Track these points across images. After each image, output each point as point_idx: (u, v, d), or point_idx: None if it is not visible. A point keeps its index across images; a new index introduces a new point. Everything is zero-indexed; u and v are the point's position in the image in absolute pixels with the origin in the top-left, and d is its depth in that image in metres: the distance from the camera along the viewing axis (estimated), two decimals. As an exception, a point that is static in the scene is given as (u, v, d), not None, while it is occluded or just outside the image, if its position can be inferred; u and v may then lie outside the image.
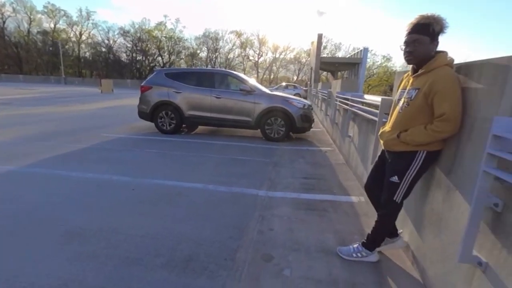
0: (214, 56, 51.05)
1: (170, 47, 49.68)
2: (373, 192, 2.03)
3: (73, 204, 2.67)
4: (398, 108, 1.76)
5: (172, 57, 49.82)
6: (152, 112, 6.32)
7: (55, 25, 48.07)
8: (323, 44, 33.92)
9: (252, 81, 6.77)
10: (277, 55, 51.68)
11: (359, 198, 3.08)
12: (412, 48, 1.59)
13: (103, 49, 49.20)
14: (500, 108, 1.22)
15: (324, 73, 33.45)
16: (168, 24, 56.06)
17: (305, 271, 1.85)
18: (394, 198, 1.76)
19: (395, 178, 1.74)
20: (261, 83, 9.80)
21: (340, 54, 45.32)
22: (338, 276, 1.82)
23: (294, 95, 11.66)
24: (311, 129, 6.55)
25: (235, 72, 6.76)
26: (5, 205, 2.57)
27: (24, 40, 47.12)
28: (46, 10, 47.07)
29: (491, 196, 1.21)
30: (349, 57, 28.40)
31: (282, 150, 5.31)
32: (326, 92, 7.69)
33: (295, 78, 50.96)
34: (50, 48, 48.00)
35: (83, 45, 49.67)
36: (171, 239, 2.14)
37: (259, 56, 51.80)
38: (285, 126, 5.94)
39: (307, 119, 6.05)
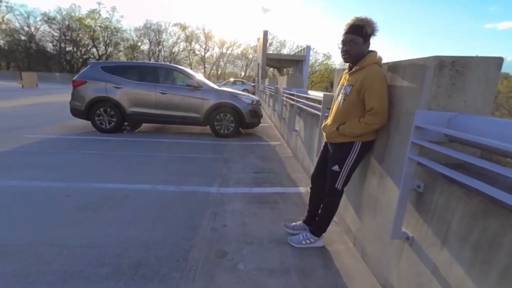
0: (158, 49, 48.29)
1: (106, 38, 45.33)
2: (317, 183, 2.17)
3: (-9, 217, 2.29)
4: (337, 103, 1.90)
5: (109, 49, 45.58)
6: (88, 109, 5.72)
7: (-46, 6, 39.85)
8: (269, 41, 34.71)
9: (199, 76, 6.60)
10: (224, 50, 51.24)
11: (307, 189, 3.26)
12: (348, 47, 1.73)
13: (23, 37, 42.48)
14: (420, 103, 1.41)
15: (271, 69, 34.30)
16: (103, 12, 51.08)
17: (259, 262, 1.91)
18: (336, 186, 1.92)
19: (335, 167, 1.89)
20: (208, 79, 9.63)
21: (285, 51, 46.91)
22: (290, 264, 1.92)
23: (242, 90, 11.72)
24: (260, 124, 6.69)
25: (181, 67, 6.50)
26: None
27: None
28: None
29: (415, 179, 1.40)
30: (293, 54, 29.53)
31: (232, 145, 5.32)
32: (273, 88, 7.91)
33: (242, 73, 51.21)
34: (-51, 34, 39.74)
35: (-5, 32, 42.23)
36: (116, 246, 1.99)
37: (206, 51, 50.68)
38: (235, 121, 5.95)
39: (256, 114, 6.15)
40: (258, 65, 24.35)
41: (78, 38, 43.85)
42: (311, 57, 30.18)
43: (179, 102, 5.86)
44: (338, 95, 1.91)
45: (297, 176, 3.71)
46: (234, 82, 25.20)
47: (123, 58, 44.98)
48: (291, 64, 27.49)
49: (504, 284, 0.93)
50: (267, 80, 12.68)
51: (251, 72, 48.78)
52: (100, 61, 11.48)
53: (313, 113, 3.42)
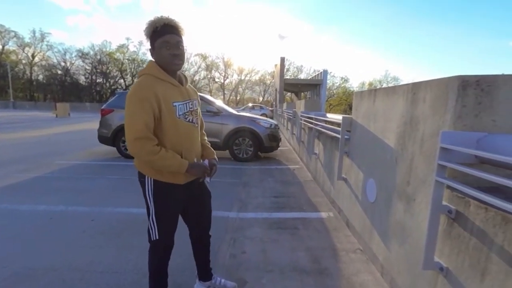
0: (180, 78, 50.74)
1: (133, 69, 48.53)
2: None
3: (23, 242, 2.38)
4: None
5: (135, 79, 48.53)
6: (114, 136, 6.01)
7: (3, 46, 44.67)
8: (286, 66, 35.61)
9: (218, 102, 6.82)
10: (243, 77, 53.01)
11: (328, 214, 3.14)
12: None
13: (59, 72, 46.47)
14: (445, 123, 1.36)
15: (288, 94, 34.80)
16: (131, 47, 55.11)
17: (280, 293, 1.81)
18: (151, 239, 1.56)
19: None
20: (227, 104, 9.88)
21: (302, 76, 47.71)
22: (313, 294, 1.81)
23: (261, 115, 11.91)
24: (279, 148, 6.68)
25: (200, 94, 6.76)
26: None
27: (-35, 61, 43.03)
28: (-7, 31, 43.74)
29: (445, 204, 1.31)
30: (310, 78, 29.96)
31: (252, 169, 5.31)
32: (291, 112, 7.97)
33: (260, 99, 52.34)
34: (-3, 71, 44.25)
35: (35, 68, 46.54)
36: (135, 273, 1.98)
37: (225, 78, 52.65)
38: (253, 146, 5.99)
39: (274, 138, 6.18)
40: (276, 90, 24.83)
41: (108, 71, 47.26)
42: (328, 81, 30.45)
43: (199, 127, 6.02)
44: None
45: (317, 201, 3.60)
46: (252, 107, 25.72)
47: (147, 88, 47.58)
48: (309, 88, 27.79)
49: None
50: (285, 104, 12.83)
51: (269, 97, 49.73)
52: (127, 90, 12.22)
53: (332, 135, 3.38)
